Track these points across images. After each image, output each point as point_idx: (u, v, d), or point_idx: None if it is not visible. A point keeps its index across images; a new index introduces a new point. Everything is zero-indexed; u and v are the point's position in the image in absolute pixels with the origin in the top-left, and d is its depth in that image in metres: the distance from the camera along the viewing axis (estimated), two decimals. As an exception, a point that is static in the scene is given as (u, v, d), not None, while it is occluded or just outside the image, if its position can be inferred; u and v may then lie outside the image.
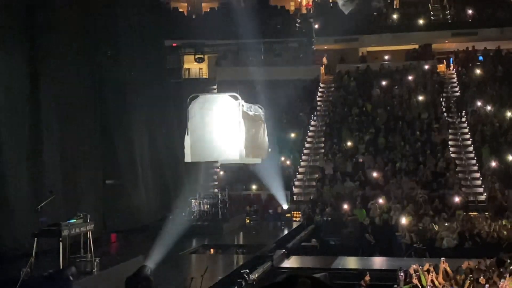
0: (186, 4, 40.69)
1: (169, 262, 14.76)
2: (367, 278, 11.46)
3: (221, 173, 28.37)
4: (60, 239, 11.77)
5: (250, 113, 13.80)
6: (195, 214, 21.03)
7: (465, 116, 28.83)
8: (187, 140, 13.23)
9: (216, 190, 22.73)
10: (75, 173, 17.58)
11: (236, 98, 13.07)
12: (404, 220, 21.31)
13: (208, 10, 39.54)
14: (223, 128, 12.95)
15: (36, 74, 16.27)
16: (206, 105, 13.12)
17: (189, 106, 13.18)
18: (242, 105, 13.07)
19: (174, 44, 29.16)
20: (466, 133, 28.62)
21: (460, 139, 28.43)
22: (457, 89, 32.55)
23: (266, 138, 15.04)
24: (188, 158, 13.47)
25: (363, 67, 34.92)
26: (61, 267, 11.64)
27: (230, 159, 13.63)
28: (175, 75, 28.62)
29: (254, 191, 26.88)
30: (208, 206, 21.13)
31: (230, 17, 31.65)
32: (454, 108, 29.42)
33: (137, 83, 21.49)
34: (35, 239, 12.00)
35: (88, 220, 12.97)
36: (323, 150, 29.20)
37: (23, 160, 15.68)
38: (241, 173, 28.30)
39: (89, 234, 12.87)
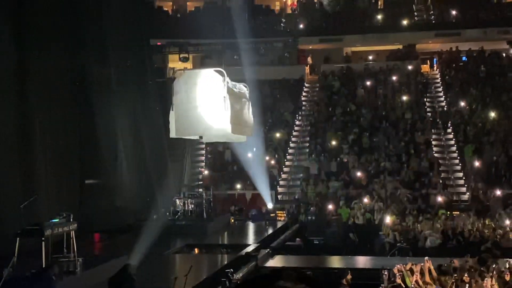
0: (171, 3, 40.53)
1: (153, 261, 14.70)
2: (349, 277, 11.45)
3: (206, 172, 28.33)
4: (43, 239, 11.67)
5: (235, 90, 13.69)
6: (179, 213, 20.97)
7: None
8: (172, 116, 13.12)
9: (200, 190, 22.65)
10: (57, 172, 17.45)
11: (221, 73, 12.96)
12: (387, 220, 21.44)
13: (193, 9, 39.44)
14: (208, 103, 12.81)
15: (21, 72, 16.13)
16: (191, 80, 12.98)
17: (174, 81, 13.05)
18: (227, 82, 12.96)
19: (158, 43, 29.04)
20: (449, 133, 28.83)
21: (444, 139, 28.63)
22: (440, 89, 32.77)
23: (252, 116, 14.88)
24: (173, 134, 13.36)
25: (347, 67, 35.04)
26: (43, 267, 11.55)
27: (215, 134, 13.45)
28: (160, 74, 28.52)
29: (238, 190, 26.88)
30: (192, 206, 21.07)
31: (215, 17, 31.62)
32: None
33: (122, 81, 21.39)
34: (17, 239, 11.89)
35: (71, 220, 12.87)
36: (307, 150, 29.26)
37: (5, 159, 15.53)
38: (225, 173, 28.31)
39: (72, 234, 12.78)
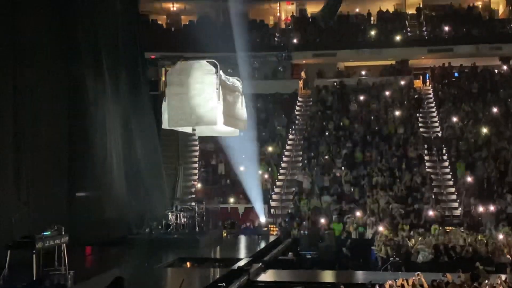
0: (165, 16, 40.72)
1: (144, 275, 14.61)
2: (341, 291, 11.45)
3: (198, 186, 28.29)
4: (34, 251, 11.60)
5: (228, 82, 13.65)
6: (171, 227, 20.89)
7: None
8: (165, 107, 13.08)
9: (193, 203, 22.59)
10: (47, 184, 17.36)
11: (214, 64, 12.93)
12: (380, 234, 21.42)
13: (187, 23, 39.59)
14: (201, 94, 12.77)
15: (16, 84, 16.12)
16: (184, 71, 12.94)
17: (167, 73, 13.03)
18: (220, 75, 12.92)
19: (152, 56, 29.12)
20: (442, 148, 28.91)
21: (436, 154, 28.69)
22: (433, 104, 32.94)
23: (245, 110, 14.80)
24: (165, 125, 13.29)
25: (340, 82, 35.19)
26: (34, 280, 11.47)
27: (207, 124, 13.36)
28: (154, 87, 28.54)
29: (231, 204, 26.84)
30: (185, 219, 21.00)
31: (209, 30, 31.72)
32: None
33: (115, 94, 21.37)
34: (8, 251, 11.81)
35: (63, 233, 12.81)
36: (300, 164, 29.28)
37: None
38: (218, 186, 28.27)
39: (64, 247, 12.71)
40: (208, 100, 12.69)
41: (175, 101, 12.86)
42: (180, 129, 13.81)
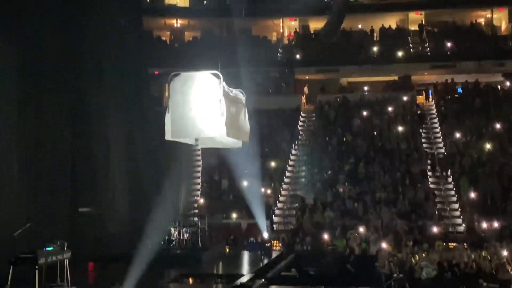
0: (169, 33, 40.96)
1: (147, 291, 14.54)
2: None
3: (201, 201, 28.25)
4: (36, 267, 11.58)
5: (231, 94, 13.66)
6: (174, 242, 20.83)
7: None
8: (168, 118, 13.09)
9: (195, 219, 22.53)
10: (49, 199, 17.36)
11: (217, 76, 12.96)
12: (383, 250, 21.32)
13: (191, 39, 39.81)
14: (204, 105, 12.76)
15: (21, 100, 16.20)
16: (187, 82, 12.94)
17: (170, 84, 13.04)
18: (224, 86, 12.94)
19: (156, 72, 29.24)
20: (446, 165, 28.82)
21: (439, 170, 28.62)
22: (436, 120, 32.94)
23: (248, 122, 14.80)
24: (168, 136, 13.27)
25: (343, 97, 35.24)
26: (36, 296, 11.44)
27: (209, 135, 13.34)
28: (158, 103, 28.62)
29: (234, 219, 26.78)
30: (187, 235, 20.93)
31: (213, 46, 31.88)
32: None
33: (119, 110, 21.44)
34: (11, 266, 11.79)
35: (65, 248, 12.79)
36: (303, 179, 29.23)
37: None
38: (221, 202, 28.23)
39: (66, 262, 12.68)
40: (211, 111, 12.72)
41: (178, 112, 12.87)
42: (182, 140, 13.80)
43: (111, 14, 21.75)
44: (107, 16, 21.45)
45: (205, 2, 39.62)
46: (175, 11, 39.83)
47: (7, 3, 16.12)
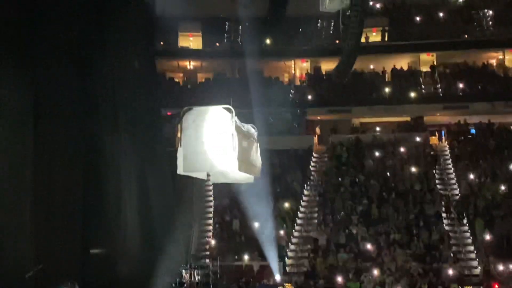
0: (182, 74, 41.37)
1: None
2: None
3: (213, 242, 28.01)
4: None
5: (243, 128, 13.68)
6: (185, 284, 20.60)
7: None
8: (180, 152, 13.09)
9: (207, 260, 22.33)
10: (62, 240, 17.30)
11: (230, 110, 13.00)
12: (398, 294, 20.97)
13: (203, 80, 40.17)
14: (216, 139, 12.78)
15: (35, 138, 16.35)
16: (199, 117, 12.98)
17: (182, 118, 13.08)
18: (236, 121, 12.96)
19: (169, 113, 29.41)
20: (461, 207, 28.47)
21: (454, 211, 28.29)
22: (449, 161, 32.72)
23: (259, 157, 14.78)
24: (180, 170, 13.24)
25: (356, 137, 35.19)
26: None
27: (221, 170, 13.30)
28: (170, 143, 28.71)
29: (246, 261, 26.47)
30: (199, 277, 20.73)
31: (225, 88, 32.10)
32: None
33: (131, 150, 21.50)
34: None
35: (76, 290, 12.67)
36: (316, 220, 28.99)
37: (11, 227, 15.46)
38: (233, 243, 27.96)
39: (77, 304, 12.55)
40: (223, 145, 12.76)
41: (190, 146, 12.92)
42: (194, 175, 13.82)
43: (126, 56, 22.04)
44: (122, 59, 21.74)
45: (217, 44, 40.03)
46: (188, 53, 40.30)
47: (23, 46, 16.41)
